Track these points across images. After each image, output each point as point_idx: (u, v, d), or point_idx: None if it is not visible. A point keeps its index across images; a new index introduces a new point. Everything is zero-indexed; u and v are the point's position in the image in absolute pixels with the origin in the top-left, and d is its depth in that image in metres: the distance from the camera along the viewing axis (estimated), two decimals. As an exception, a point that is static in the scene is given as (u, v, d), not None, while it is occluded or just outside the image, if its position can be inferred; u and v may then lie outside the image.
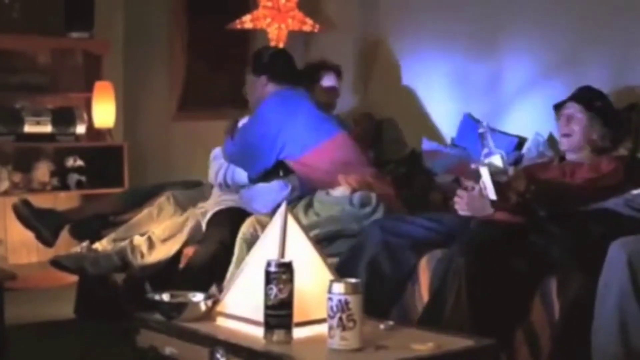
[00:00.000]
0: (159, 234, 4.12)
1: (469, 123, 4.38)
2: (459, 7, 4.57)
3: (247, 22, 4.99)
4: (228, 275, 3.51)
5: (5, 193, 5.56)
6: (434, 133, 4.63)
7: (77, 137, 5.82)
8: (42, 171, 5.80)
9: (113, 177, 5.82)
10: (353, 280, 2.36)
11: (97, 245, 4.21)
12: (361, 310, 2.31)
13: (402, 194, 3.94)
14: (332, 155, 3.91)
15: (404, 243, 3.33)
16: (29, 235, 4.46)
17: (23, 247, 5.67)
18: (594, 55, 4.01)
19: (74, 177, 5.85)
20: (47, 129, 5.70)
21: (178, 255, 4.12)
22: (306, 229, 3.60)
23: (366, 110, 4.87)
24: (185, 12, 6.05)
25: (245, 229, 3.70)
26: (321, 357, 2.34)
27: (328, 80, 4.50)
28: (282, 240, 2.48)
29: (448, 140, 4.57)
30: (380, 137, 4.76)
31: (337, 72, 4.57)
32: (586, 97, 3.47)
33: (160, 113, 6.20)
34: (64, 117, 5.77)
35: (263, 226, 3.27)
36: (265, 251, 2.50)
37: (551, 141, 4.04)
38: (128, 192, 5.15)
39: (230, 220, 3.90)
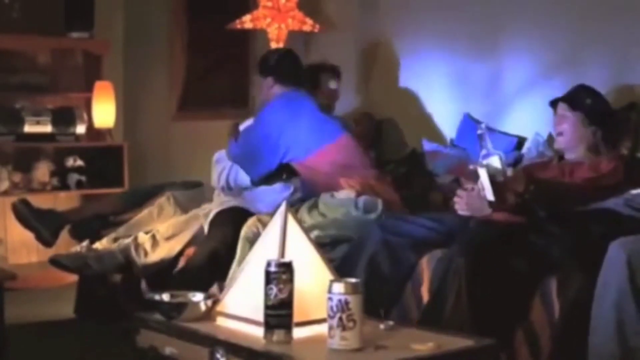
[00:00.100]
0: (163, 232, 4.13)
1: (469, 123, 4.38)
2: (459, 7, 4.57)
3: (247, 22, 4.99)
4: (230, 274, 3.51)
5: (5, 193, 5.56)
6: (433, 133, 4.63)
7: (77, 137, 5.82)
8: (42, 171, 5.80)
9: (113, 177, 5.82)
10: (353, 280, 2.36)
11: (97, 245, 4.21)
12: (361, 310, 2.31)
13: (402, 194, 3.94)
14: (334, 158, 3.90)
15: (404, 242, 3.33)
16: (29, 235, 4.46)
17: (23, 247, 5.67)
18: (594, 55, 4.01)
19: (74, 177, 5.85)
20: (47, 129, 5.70)
21: (178, 255, 4.13)
22: (308, 229, 3.65)
23: (366, 110, 4.88)
24: (185, 12, 6.06)
25: (247, 228, 3.70)
26: (321, 357, 2.34)
27: (332, 84, 4.51)
28: (282, 240, 2.48)
29: (448, 141, 4.57)
30: (381, 137, 4.76)
31: (337, 74, 4.58)
32: (574, 95, 3.50)
33: (160, 113, 6.21)
34: (64, 117, 5.77)
35: (265, 225, 3.27)
36: (265, 251, 2.50)
37: (551, 141, 4.04)
38: (128, 192, 5.16)
39: (232, 219, 3.91)
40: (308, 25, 5.01)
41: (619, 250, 2.73)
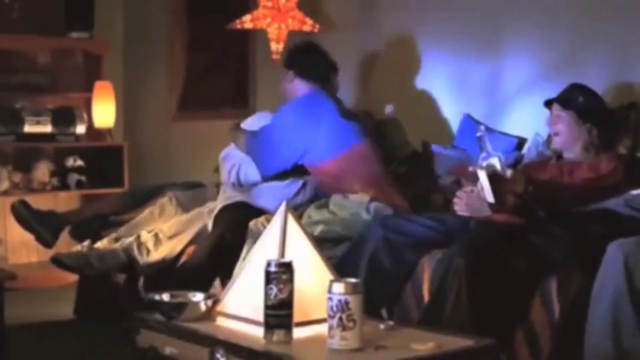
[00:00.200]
0: (166, 230, 4.13)
1: (469, 124, 4.38)
2: (459, 7, 4.57)
3: (247, 22, 4.99)
4: (236, 270, 3.50)
5: (5, 193, 5.56)
6: (433, 134, 4.63)
7: (77, 137, 5.82)
8: (42, 171, 5.80)
9: (113, 177, 5.81)
10: (353, 280, 2.36)
11: (99, 245, 4.21)
12: (361, 310, 2.31)
13: (404, 194, 3.94)
14: (349, 166, 3.89)
15: (405, 241, 3.33)
16: (29, 235, 4.45)
17: (23, 247, 5.67)
18: (594, 55, 4.01)
19: (74, 177, 5.85)
20: (47, 129, 5.70)
21: (180, 254, 4.12)
22: (314, 224, 3.65)
23: (366, 110, 4.87)
24: (185, 12, 6.05)
25: (254, 226, 3.70)
26: (321, 357, 2.34)
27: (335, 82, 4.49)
28: (282, 240, 2.48)
29: (448, 142, 4.56)
30: (382, 136, 4.76)
31: (335, 69, 4.56)
32: (567, 95, 3.51)
33: (160, 113, 6.20)
34: (64, 117, 5.77)
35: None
36: (265, 251, 2.50)
37: (550, 141, 4.04)
38: (128, 192, 5.16)
39: (238, 212, 3.90)
40: (308, 25, 5.01)
41: (616, 251, 2.74)
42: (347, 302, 2.29)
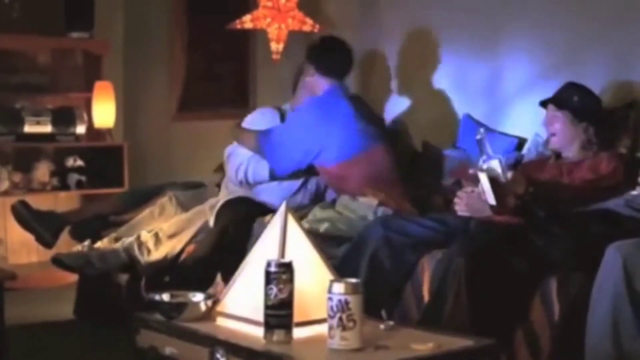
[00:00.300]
0: (166, 230, 4.13)
1: (469, 124, 4.38)
2: (459, 7, 4.57)
3: (247, 22, 4.99)
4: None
5: (5, 193, 5.56)
6: (434, 134, 4.62)
7: (77, 137, 5.82)
8: (42, 171, 5.80)
9: (113, 177, 5.81)
10: (353, 280, 2.36)
11: (99, 245, 4.21)
12: (361, 310, 2.31)
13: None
14: (362, 170, 3.88)
15: (405, 241, 3.33)
16: (29, 235, 4.46)
17: (23, 247, 5.67)
18: (594, 55, 4.01)
19: (74, 177, 5.85)
20: (47, 129, 5.70)
21: (180, 253, 4.13)
22: (318, 221, 3.65)
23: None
24: (185, 12, 6.05)
25: (263, 220, 3.71)
26: (321, 357, 2.34)
27: None
28: (282, 240, 2.48)
29: (449, 142, 4.56)
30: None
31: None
32: (562, 94, 3.52)
33: (160, 113, 6.20)
34: (64, 117, 5.77)
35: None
36: (265, 251, 2.50)
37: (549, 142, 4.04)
38: (128, 192, 5.16)
39: (239, 209, 3.90)
40: (308, 25, 5.01)
41: (615, 253, 2.74)
42: (347, 302, 2.29)
